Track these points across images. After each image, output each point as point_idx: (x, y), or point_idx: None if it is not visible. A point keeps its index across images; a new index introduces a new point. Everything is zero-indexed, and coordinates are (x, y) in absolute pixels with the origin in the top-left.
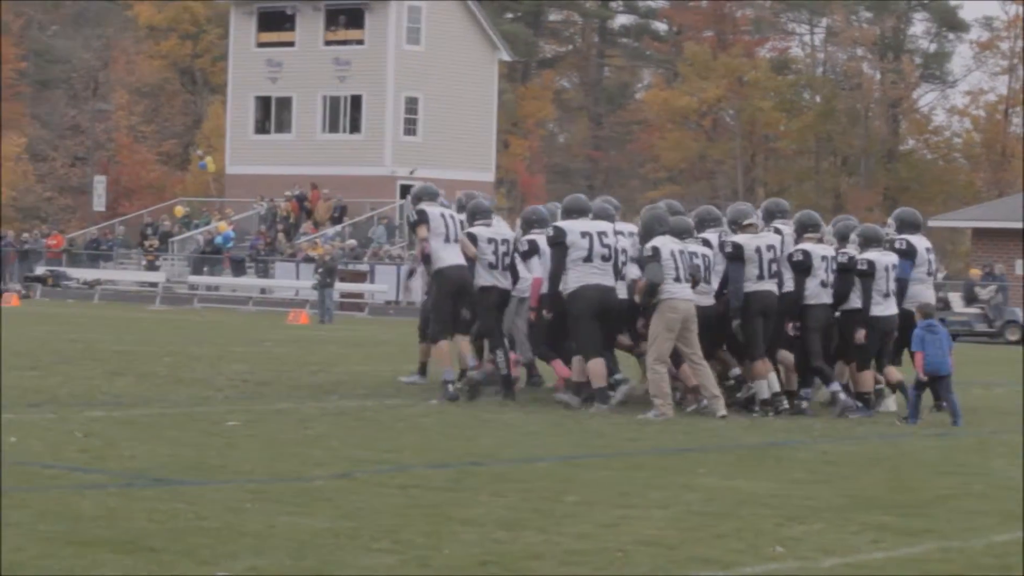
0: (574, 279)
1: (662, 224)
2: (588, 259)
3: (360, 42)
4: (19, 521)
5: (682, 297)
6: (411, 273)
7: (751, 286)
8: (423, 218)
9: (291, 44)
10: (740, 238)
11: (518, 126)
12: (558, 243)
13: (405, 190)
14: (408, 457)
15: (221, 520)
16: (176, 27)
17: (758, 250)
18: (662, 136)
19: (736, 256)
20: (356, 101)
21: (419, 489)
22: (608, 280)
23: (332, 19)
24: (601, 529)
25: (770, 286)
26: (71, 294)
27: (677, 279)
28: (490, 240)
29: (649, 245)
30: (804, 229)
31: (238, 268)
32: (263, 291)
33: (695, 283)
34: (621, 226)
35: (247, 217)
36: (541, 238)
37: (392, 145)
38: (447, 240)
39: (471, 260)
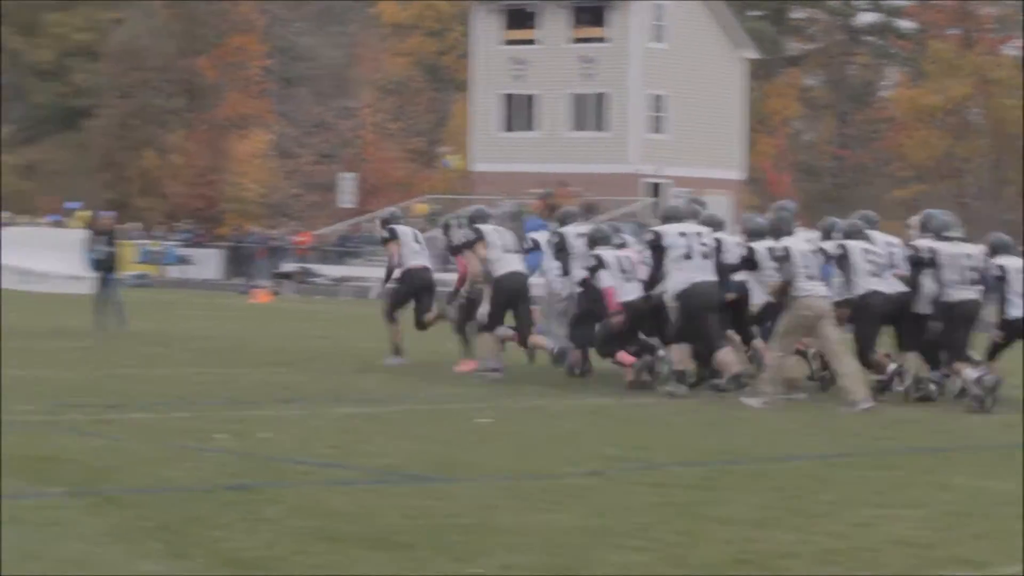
0: (679, 278)
1: (789, 225)
2: (688, 256)
3: (604, 40)
4: (273, 517)
5: (817, 294)
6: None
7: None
8: (479, 235)
9: (535, 42)
10: (938, 245)
11: (764, 124)
12: (657, 246)
13: (651, 188)
14: (660, 455)
15: (474, 517)
16: (420, 24)
17: (954, 257)
18: (909, 135)
19: (931, 263)
20: (601, 99)
21: (671, 487)
22: (710, 275)
23: (576, 17)
24: (855, 528)
25: (971, 294)
26: (319, 291)
27: (811, 276)
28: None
29: (780, 245)
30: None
31: None
32: None
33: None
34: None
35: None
36: (607, 252)
37: (637, 143)
38: (505, 251)
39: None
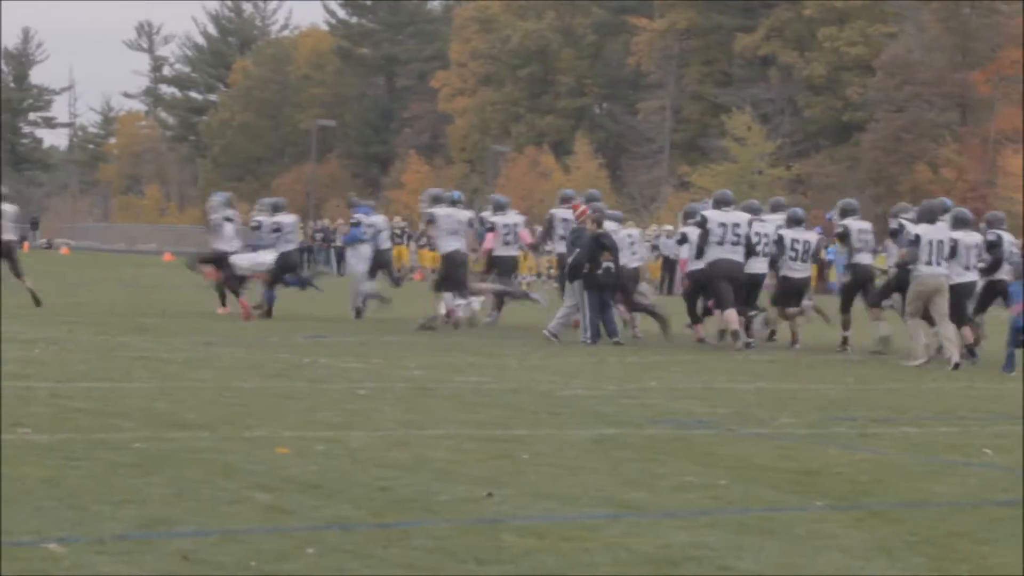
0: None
1: (930, 215)
2: (720, 243)
3: None
4: None
5: (929, 274)
6: None
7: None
8: (431, 218)
9: None
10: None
11: None
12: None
13: None
14: None
15: None
16: None
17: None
18: None
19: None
20: None
21: None
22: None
23: None
24: None
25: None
26: None
27: (928, 262)
28: (504, 225)
29: (913, 232)
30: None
31: None
32: None
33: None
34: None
35: None
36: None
37: None
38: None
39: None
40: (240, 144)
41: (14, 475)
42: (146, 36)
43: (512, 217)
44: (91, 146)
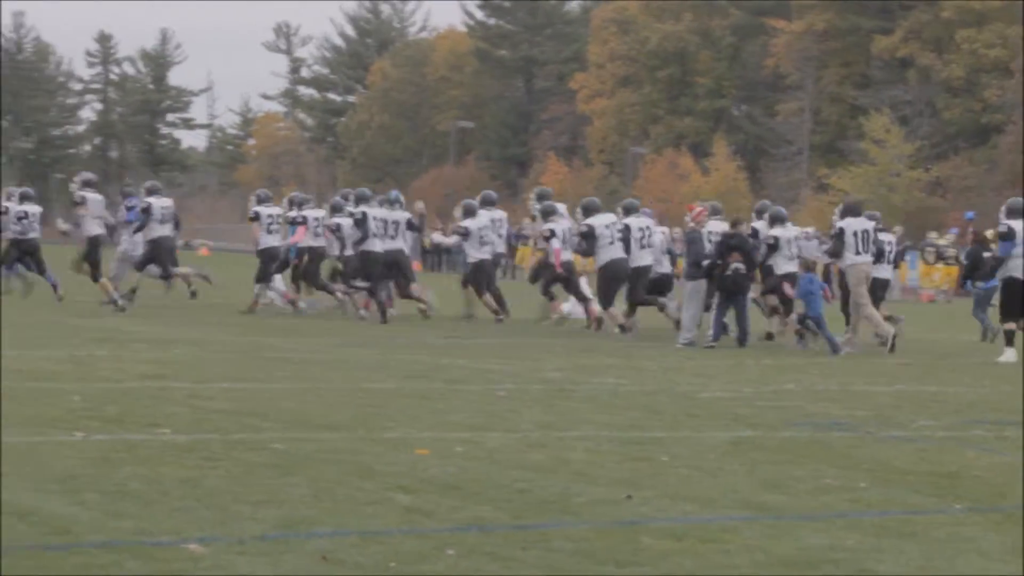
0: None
1: (855, 210)
2: (611, 242)
3: None
4: None
5: (860, 262)
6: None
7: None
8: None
9: None
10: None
11: None
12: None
13: None
14: None
15: None
16: None
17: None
18: None
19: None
20: None
21: None
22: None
23: None
24: None
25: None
26: None
27: (857, 252)
28: (314, 219)
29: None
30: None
31: None
32: None
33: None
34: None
35: None
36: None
37: None
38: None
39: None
40: (378, 146)
41: (152, 476)
42: (284, 37)
43: (317, 211)
44: (229, 147)
